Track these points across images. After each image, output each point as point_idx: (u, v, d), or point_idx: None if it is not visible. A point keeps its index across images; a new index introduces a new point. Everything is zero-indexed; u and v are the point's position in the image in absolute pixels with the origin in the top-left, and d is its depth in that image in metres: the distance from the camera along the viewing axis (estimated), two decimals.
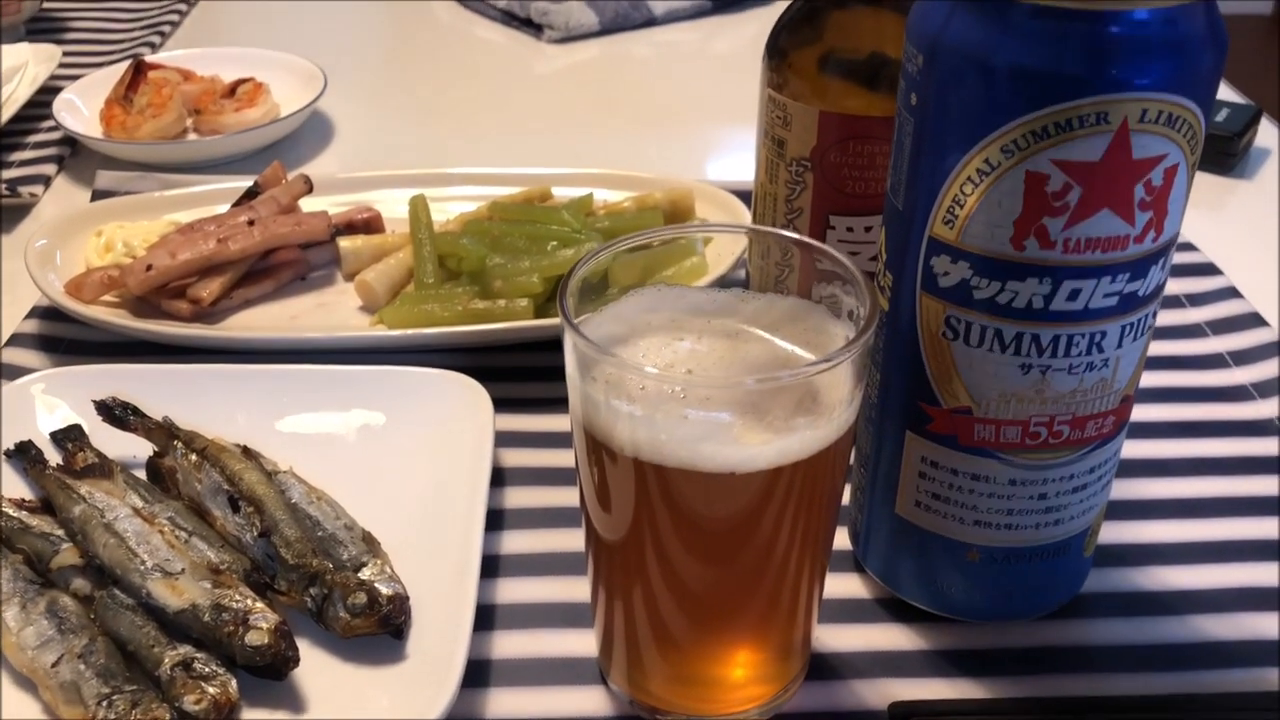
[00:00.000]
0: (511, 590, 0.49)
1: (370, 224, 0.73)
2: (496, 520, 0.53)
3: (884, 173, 0.52)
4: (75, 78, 0.94)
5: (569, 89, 1.04)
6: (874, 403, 0.45)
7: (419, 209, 0.69)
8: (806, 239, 0.42)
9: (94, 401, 0.55)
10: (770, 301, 0.42)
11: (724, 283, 0.63)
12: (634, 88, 1.04)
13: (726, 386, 0.37)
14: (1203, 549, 0.51)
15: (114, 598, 0.45)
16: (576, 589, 0.48)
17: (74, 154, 0.89)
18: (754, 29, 1.16)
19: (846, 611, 0.48)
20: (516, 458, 0.57)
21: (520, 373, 0.62)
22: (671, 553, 0.39)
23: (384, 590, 0.45)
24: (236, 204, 0.72)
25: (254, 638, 0.43)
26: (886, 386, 0.44)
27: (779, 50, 0.53)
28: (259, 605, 0.44)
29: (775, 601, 0.41)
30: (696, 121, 0.97)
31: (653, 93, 1.03)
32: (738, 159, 0.89)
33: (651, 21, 1.15)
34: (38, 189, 0.82)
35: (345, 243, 0.70)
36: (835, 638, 0.47)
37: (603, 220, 0.70)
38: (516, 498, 0.54)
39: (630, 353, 0.40)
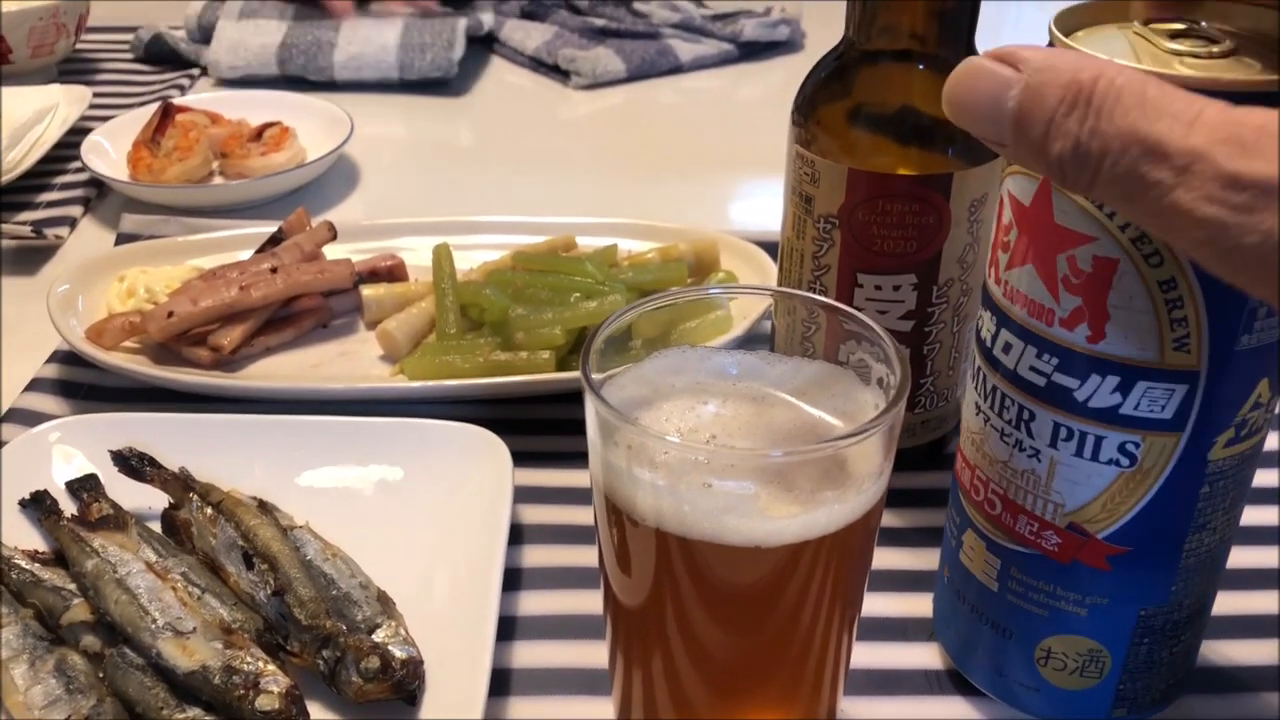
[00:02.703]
0: (529, 654, 0.48)
1: (394, 272, 0.72)
2: (514, 580, 0.52)
3: (913, 231, 0.51)
4: (105, 119, 0.94)
5: (595, 136, 1.04)
6: None
7: (442, 258, 0.69)
8: (833, 302, 0.41)
9: (110, 451, 0.54)
10: (797, 366, 0.41)
11: (749, 337, 0.62)
12: (660, 135, 1.04)
13: (752, 458, 0.36)
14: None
15: (124, 657, 0.44)
16: (596, 654, 0.47)
17: (100, 196, 0.89)
18: (781, 77, 1.15)
19: (871, 682, 0.47)
20: (536, 514, 0.56)
21: (541, 425, 0.62)
22: (693, 623, 0.38)
23: (398, 654, 0.45)
24: (260, 250, 0.72)
25: (265, 702, 0.42)
26: None
27: (808, 106, 0.52)
28: (270, 668, 0.43)
29: (799, 676, 0.40)
30: (722, 170, 0.97)
31: (678, 140, 1.03)
32: (763, 209, 0.89)
33: (678, 69, 1.15)
34: (63, 231, 0.82)
35: (368, 291, 0.69)
36: (863, 710, 0.46)
37: (626, 271, 0.69)
38: (535, 556, 0.53)
39: (653, 417, 0.39)
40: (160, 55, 1.14)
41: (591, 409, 0.37)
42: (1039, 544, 0.40)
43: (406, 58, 1.07)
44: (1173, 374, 0.36)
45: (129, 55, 1.16)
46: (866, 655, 0.48)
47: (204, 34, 1.13)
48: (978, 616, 0.44)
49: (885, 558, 0.53)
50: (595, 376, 0.38)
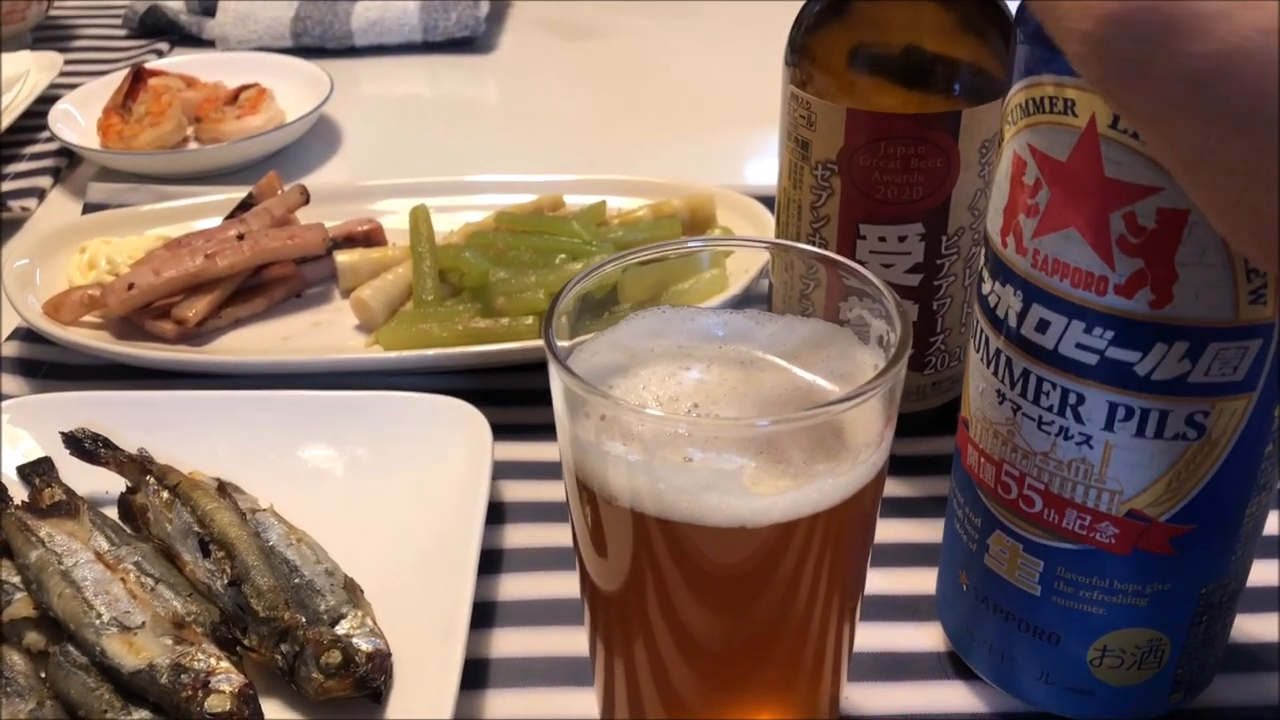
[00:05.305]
0: (507, 642, 0.45)
1: (370, 236, 0.68)
2: (493, 562, 0.48)
3: (919, 176, 0.47)
4: (80, 86, 0.90)
5: (584, 89, 1.00)
6: None
7: (419, 220, 0.65)
8: (831, 254, 0.37)
9: (61, 433, 0.51)
10: (789, 325, 0.37)
11: (746, 297, 0.58)
12: (651, 86, 0.99)
13: (736, 428, 0.33)
14: None
15: (66, 656, 0.41)
16: (581, 641, 0.44)
17: (71, 166, 0.85)
18: (777, 23, 1.10)
19: (878, 667, 0.43)
20: (518, 490, 0.52)
21: (523, 396, 0.58)
22: (676, 611, 0.34)
23: (362, 647, 0.41)
24: (229, 216, 0.69)
25: (215, 702, 0.39)
26: None
27: (802, 43, 0.48)
28: (223, 665, 0.40)
29: (795, 664, 0.36)
30: (717, 122, 0.92)
31: (670, 92, 0.98)
32: (762, 162, 0.84)
33: None
34: (31, 202, 0.79)
35: (342, 257, 0.66)
36: (869, 698, 0.42)
37: (616, 230, 0.65)
38: (517, 536, 0.50)
39: (630, 385, 0.35)
40: (157, 27, 1.08)
41: (556, 377, 0.33)
42: (1092, 538, 0.36)
43: (430, 18, 1.03)
44: (1247, 330, 0.32)
45: (105, 21, 1.12)
46: (872, 637, 0.44)
47: (204, 6, 1.08)
48: (1015, 625, 0.39)
49: (893, 530, 0.49)
50: (561, 343, 0.34)
